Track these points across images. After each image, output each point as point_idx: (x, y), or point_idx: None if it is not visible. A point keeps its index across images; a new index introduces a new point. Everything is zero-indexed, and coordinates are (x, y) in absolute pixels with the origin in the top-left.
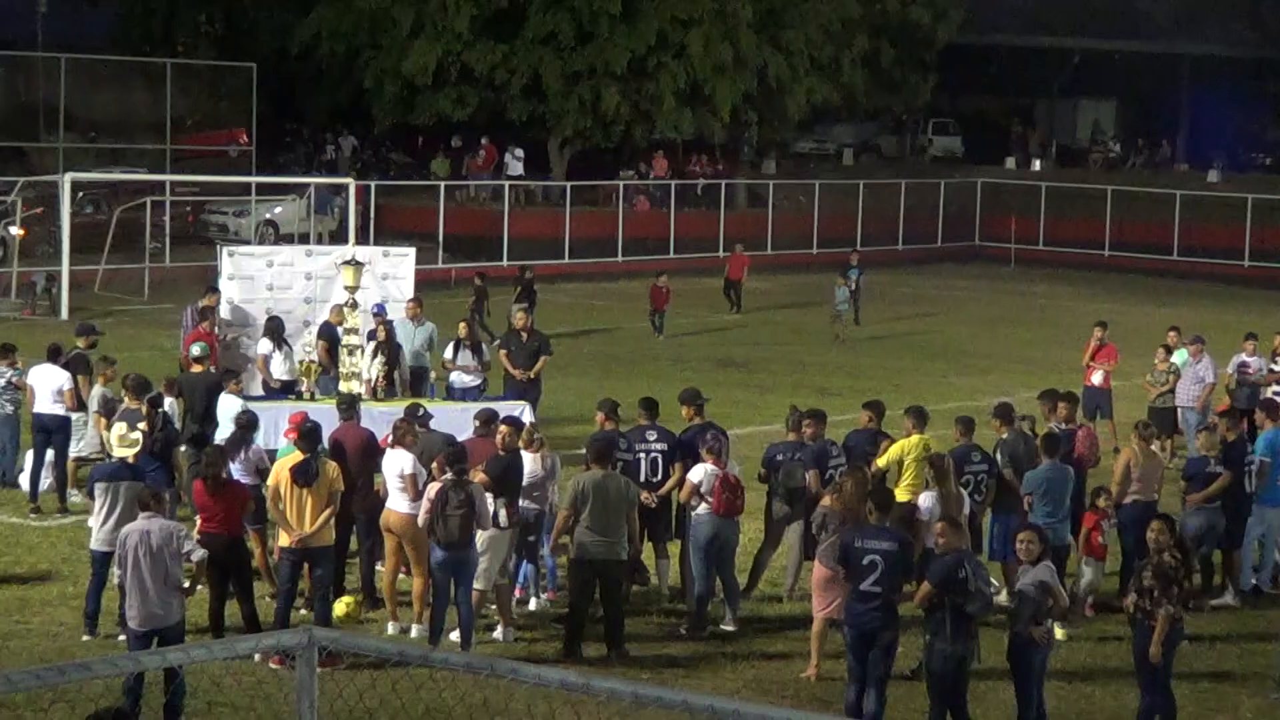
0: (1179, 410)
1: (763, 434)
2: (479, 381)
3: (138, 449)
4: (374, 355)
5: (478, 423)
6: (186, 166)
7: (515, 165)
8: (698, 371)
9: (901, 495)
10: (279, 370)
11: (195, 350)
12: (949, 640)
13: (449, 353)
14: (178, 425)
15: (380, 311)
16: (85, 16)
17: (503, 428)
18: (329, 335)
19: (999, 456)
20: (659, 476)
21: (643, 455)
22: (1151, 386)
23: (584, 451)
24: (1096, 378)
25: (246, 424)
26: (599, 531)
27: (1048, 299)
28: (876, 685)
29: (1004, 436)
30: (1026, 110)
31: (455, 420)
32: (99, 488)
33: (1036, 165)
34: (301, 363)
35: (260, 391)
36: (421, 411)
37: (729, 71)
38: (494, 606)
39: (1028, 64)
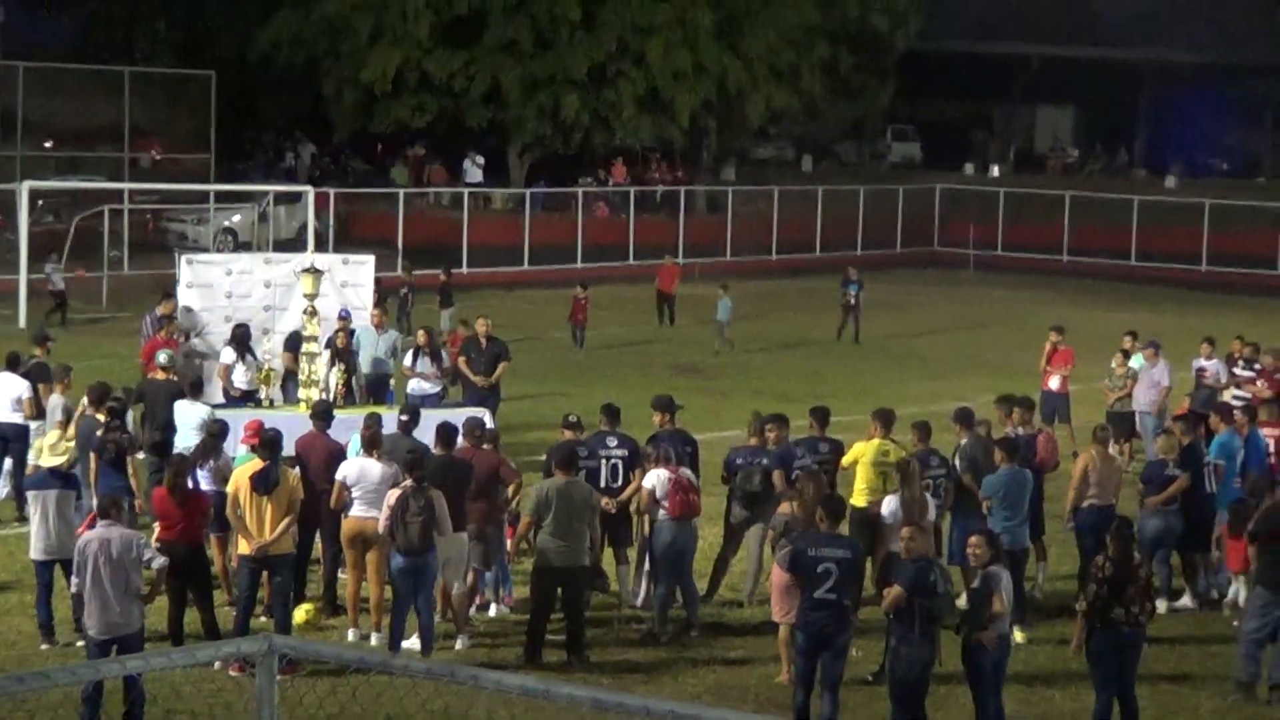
0: (1137, 414)
1: (722, 439)
2: (438, 388)
3: (67, 458)
4: (332, 363)
5: (474, 433)
6: (145, 175)
7: (474, 172)
8: (657, 378)
9: (857, 499)
10: (240, 379)
11: (162, 358)
12: (915, 645)
13: (409, 360)
14: (133, 432)
15: (345, 315)
16: (44, 24)
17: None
18: (297, 345)
19: (958, 461)
20: (619, 482)
21: (603, 461)
22: (1109, 391)
23: (543, 458)
24: (1054, 382)
25: (218, 432)
26: (562, 537)
27: (1006, 304)
28: (831, 689)
29: (963, 441)
30: (985, 116)
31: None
32: (30, 496)
33: (995, 171)
34: (261, 370)
35: (220, 399)
36: (406, 416)
37: (688, 78)
38: (451, 613)
39: (986, 70)
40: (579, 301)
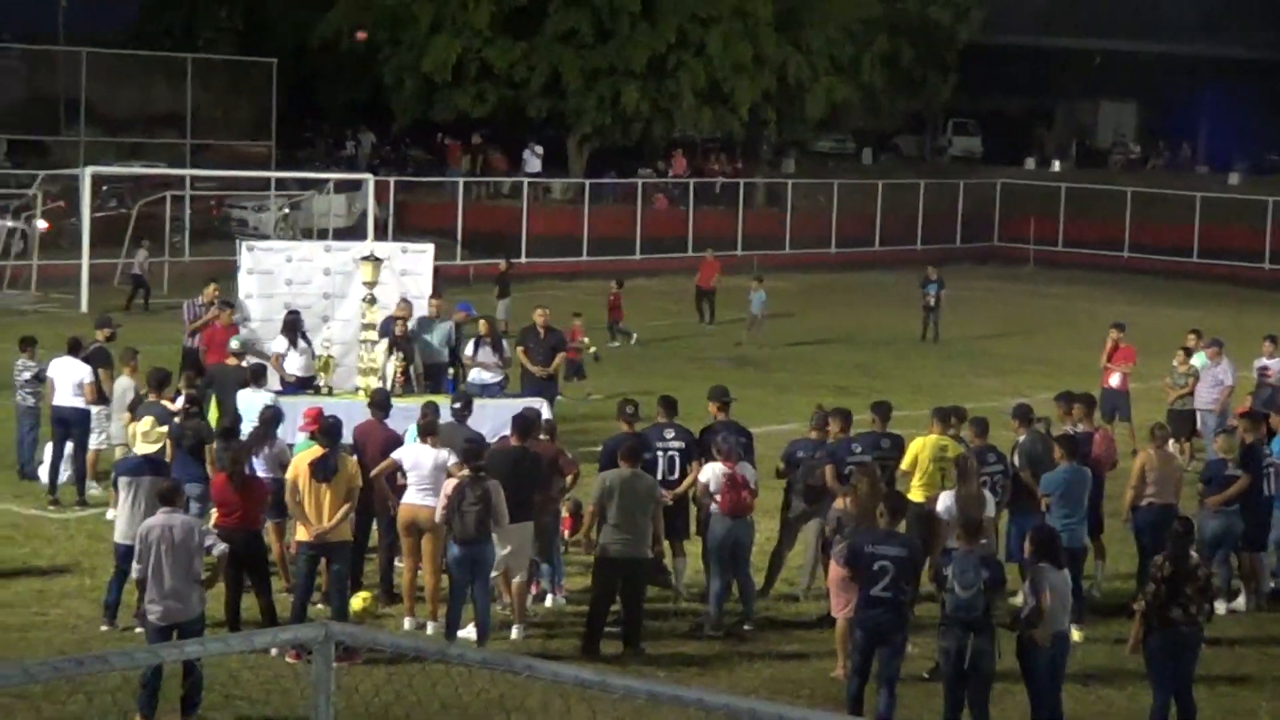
0: (1198, 413)
1: (780, 433)
2: (499, 378)
3: (161, 444)
4: (390, 352)
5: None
6: (206, 161)
7: (534, 162)
8: (715, 370)
9: (915, 495)
10: (294, 366)
11: (234, 344)
12: (939, 635)
13: (470, 349)
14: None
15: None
16: (106, 11)
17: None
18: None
19: (1016, 458)
20: (676, 475)
21: (660, 454)
22: (1170, 389)
23: (599, 449)
24: (1114, 380)
25: (271, 419)
26: (624, 529)
27: (1066, 300)
28: (888, 685)
29: (1021, 438)
30: (1047, 111)
31: (475, 417)
32: (122, 482)
33: (1056, 166)
34: (319, 358)
35: (277, 386)
36: (459, 404)
37: (748, 70)
38: (508, 601)
39: (1048, 64)
40: (614, 297)
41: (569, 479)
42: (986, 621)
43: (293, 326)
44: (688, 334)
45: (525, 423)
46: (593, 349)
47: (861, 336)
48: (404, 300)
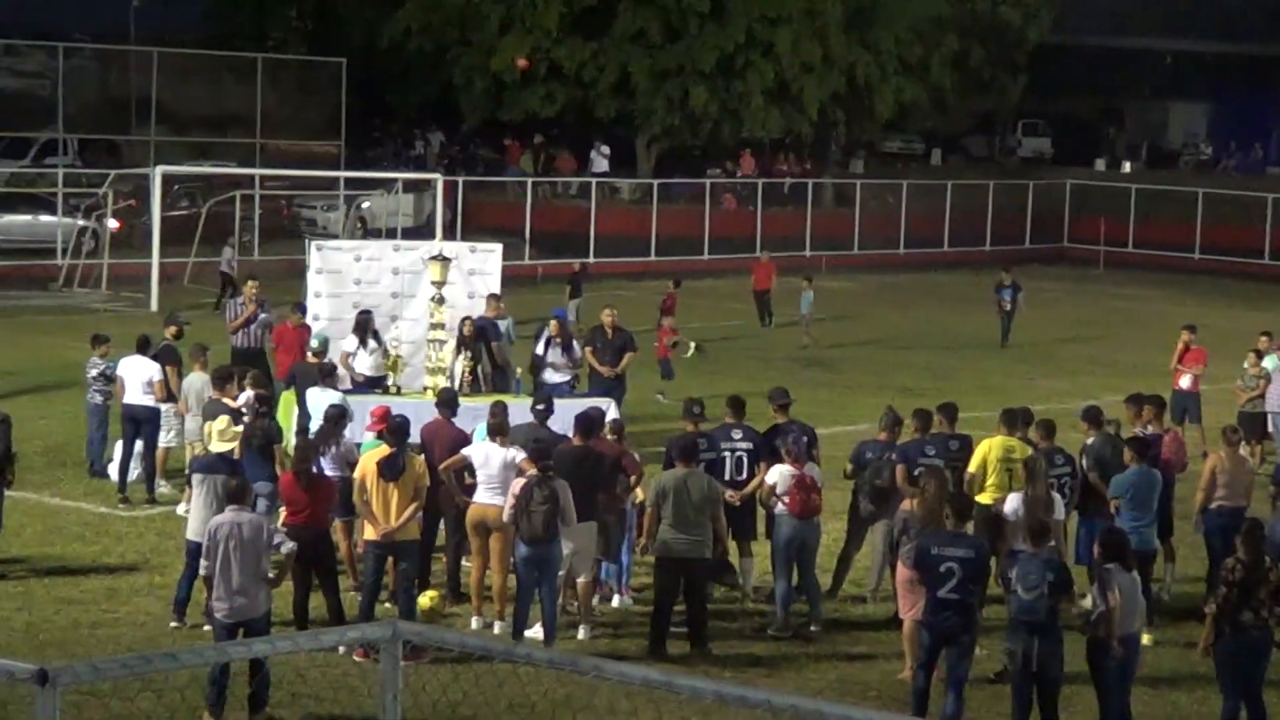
0: (1269, 415)
1: (848, 434)
2: (569, 378)
3: (235, 443)
4: (458, 351)
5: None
6: (276, 160)
7: (601, 162)
8: (783, 371)
9: (983, 497)
10: (363, 365)
11: (314, 343)
12: (1007, 638)
13: (540, 349)
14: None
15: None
16: (178, 10)
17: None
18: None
19: (1085, 460)
20: (744, 475)
21: (728, 454)
22: (1241, 391)
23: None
24: (1185, 381)
25: (337, 417)
26: (681, 529)
27: (1136, 302)
28: (955, 687)
29: (1091, 440)
30: (1117, 111)
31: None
32: (196, 479)
33: (1126, 167)
34: (388, 357)
35: (347, 386)
36: (542, 405)
37: (817, 70)
38: (575, 603)
39: (1119, 65)
40: (669, 298)
41: (634, 479)
42: (1052, 624)
43: (364, 326)
44: (755, 335)
45: (588, 422)
46: (692, 344)
47: (930, 338)
48: (492, 296)
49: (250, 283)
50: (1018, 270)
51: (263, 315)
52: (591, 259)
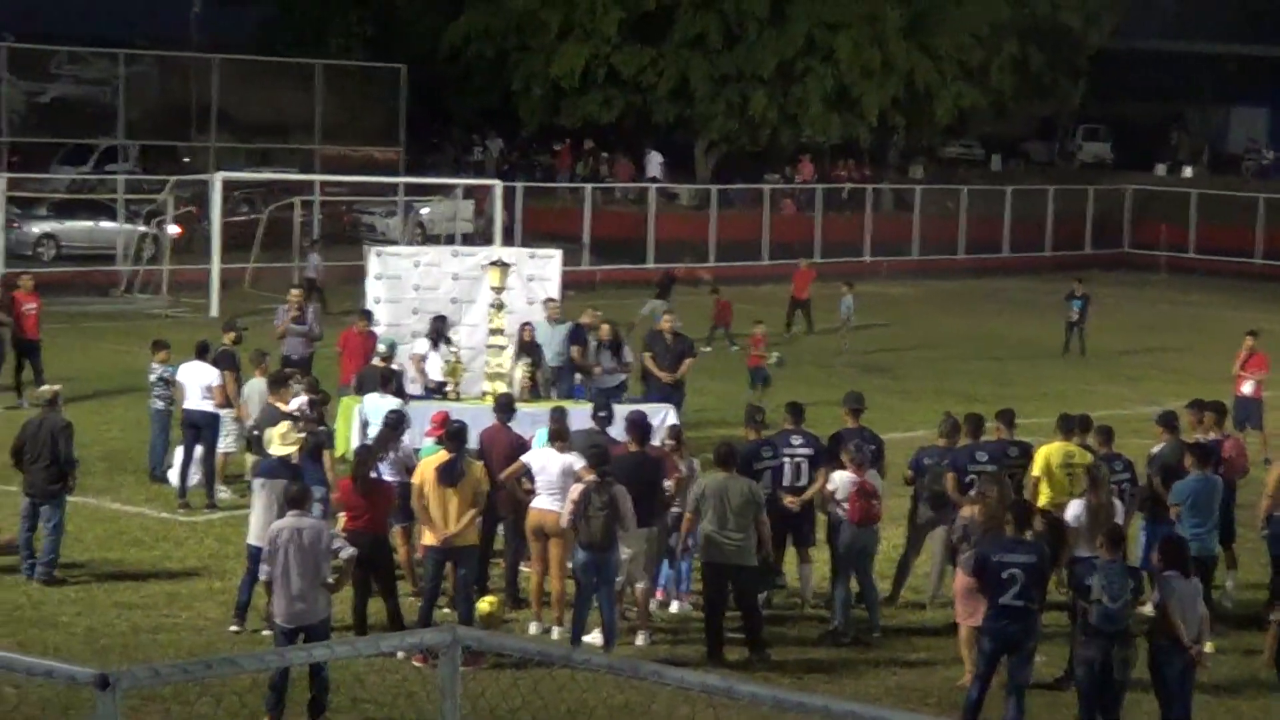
0: None
1: (908, 440)
2: (617, 382)
3: (297, 447)
4: (517, 356)
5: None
6: (336, 166)
7: (654, 168)
8: (843, 376)
9: (1044, 503)
10: (436, 370)
11: (382, 347)
12: (1082, 644)
13: (592, 352)
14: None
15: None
16: (237, 17)
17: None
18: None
19: (1150, 466)
20: (803, 481)
21: (787, 460)
22: None
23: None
24: (1247, 387)
25: (394, 423)
26: (723, 534)
27: (1197, 307)
28: (1016, 693)
29: (1161, 446)
30: (1178, 116)
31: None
32: (258, 484)
33: (1188, 172)
34: (448, 362)
35: (418, 390)
36: (603, 412)
37: (876, 76)
38: (634, 609)
39: (1180, 69)
40: (722, 303)
41: (673, 484)
42: (1129, 631)
43: (438, 331)
44: (813, 340)
45: (641, 427)
46: (775, 355)
47: (989, 343)
48: (550, 300)
49: (293, 291)
50: (1078, 275)
51: (296, 326)
52: (650, 264)
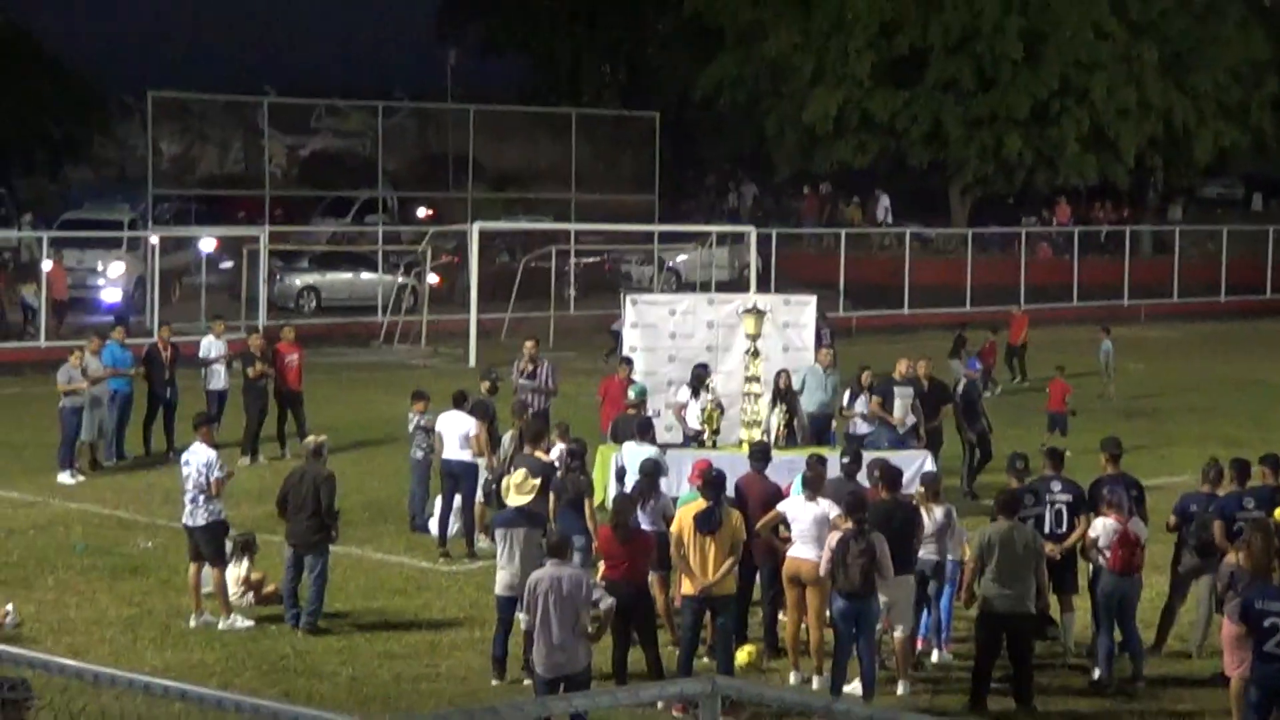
0: None
1: (1171, 485)
2: (870, 429)
3: (533, 496)
4: (774, 404)
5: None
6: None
7: (882, 211)
8: (1103, 421)
9: None
10: (696, 419)
11: (631, 394)
12: None
13: (846, 399)
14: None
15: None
16: (492, 68)
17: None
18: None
19: None
20: (1063, 528)
21: (1048, 506)
22: None
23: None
24: None
25: (651, 472)
26: (1005, 584)
27: None
28: None
29: None
30: None
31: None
32: (499, 534)
33: None
34: (705, 410)
35: (678, 438)
36: (849, 459)
37: (1133, 116)
38: (893, 657)
39: None
40: (989, 344)
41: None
42: None
43: (700, 379)
44: (1075, 383)
45: (894, 475)
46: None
47: (1253, 387)
48: (825, 348)
49: (527, 344)
50: None
51: (526, 382)
52: (906, 310)
